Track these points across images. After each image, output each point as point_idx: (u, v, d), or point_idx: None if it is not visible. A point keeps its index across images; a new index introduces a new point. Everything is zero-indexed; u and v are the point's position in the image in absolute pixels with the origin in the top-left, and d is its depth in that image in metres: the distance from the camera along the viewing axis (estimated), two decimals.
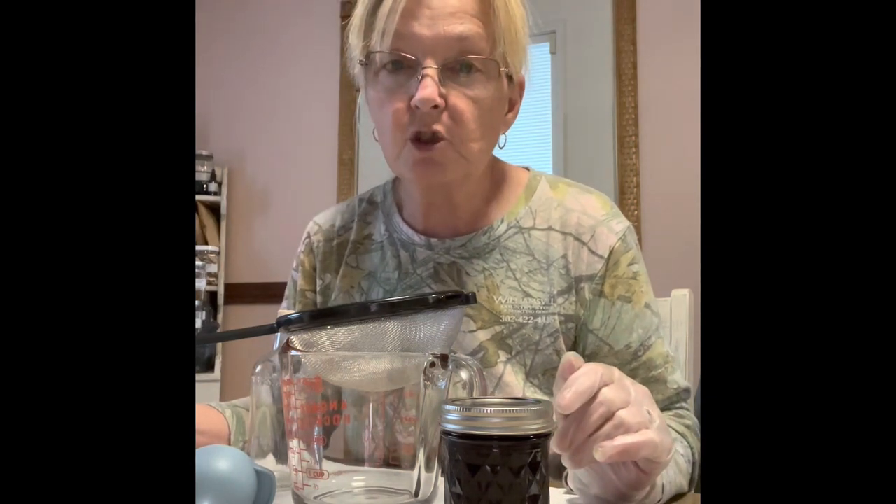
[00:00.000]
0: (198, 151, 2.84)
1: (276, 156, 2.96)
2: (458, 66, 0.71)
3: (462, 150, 0.72)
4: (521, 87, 0.80)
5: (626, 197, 2.40)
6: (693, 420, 0.76)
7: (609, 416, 0.50)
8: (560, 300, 0.77)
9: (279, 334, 0.59)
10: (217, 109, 3.04)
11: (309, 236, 0.91)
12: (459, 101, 0.71)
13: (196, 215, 2.84)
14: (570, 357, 0.51)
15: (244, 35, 3.07)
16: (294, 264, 0.91)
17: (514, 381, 0.76)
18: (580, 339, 0.78)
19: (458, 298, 0.58)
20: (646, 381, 0.75)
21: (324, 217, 0.92)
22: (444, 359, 0.55)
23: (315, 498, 0.54)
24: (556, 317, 0.77)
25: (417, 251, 0.82)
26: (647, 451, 0.50)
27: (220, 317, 2.82)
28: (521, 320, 0.77)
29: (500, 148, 0.80)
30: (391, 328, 0.56)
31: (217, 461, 0.51)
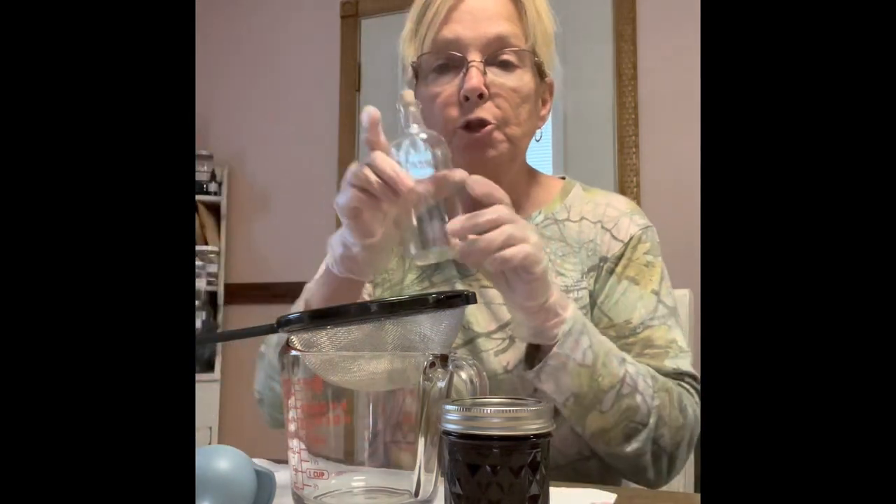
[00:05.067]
0: (198, 151, 2.83)
1: (276, 156, 2.95)
2: (497, 62, 0.80)
3: (507, 131, 0.81)
4: (551, 88, 0.90)
5: (626, 197, 2.40)
6: (689, 399, 0.76)
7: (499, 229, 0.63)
8: (589, 276, 0.85)
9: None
10: (217, 109, 3.04)
11: None
12: (501, 89, 0.80)
13: (196, 215, 2.84)
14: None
15: (244, 35, 3.07)
16: None
17: None
18: (589, 310, 0.84)
19: (458, 298, 0.58)
20: (639, 357, 0.78)
21: None
22: (444, 359, 0.55)
23: (315, 498, 0.54)
24: (586, 291, 0.84)
25: None
26: (519, 259, 0.63)
27: (220, 317, 2.82)
28: None
29: (537, 141, 0.91)
30: (391, 328, 0.56)
31: (217, 461, 0.51)
